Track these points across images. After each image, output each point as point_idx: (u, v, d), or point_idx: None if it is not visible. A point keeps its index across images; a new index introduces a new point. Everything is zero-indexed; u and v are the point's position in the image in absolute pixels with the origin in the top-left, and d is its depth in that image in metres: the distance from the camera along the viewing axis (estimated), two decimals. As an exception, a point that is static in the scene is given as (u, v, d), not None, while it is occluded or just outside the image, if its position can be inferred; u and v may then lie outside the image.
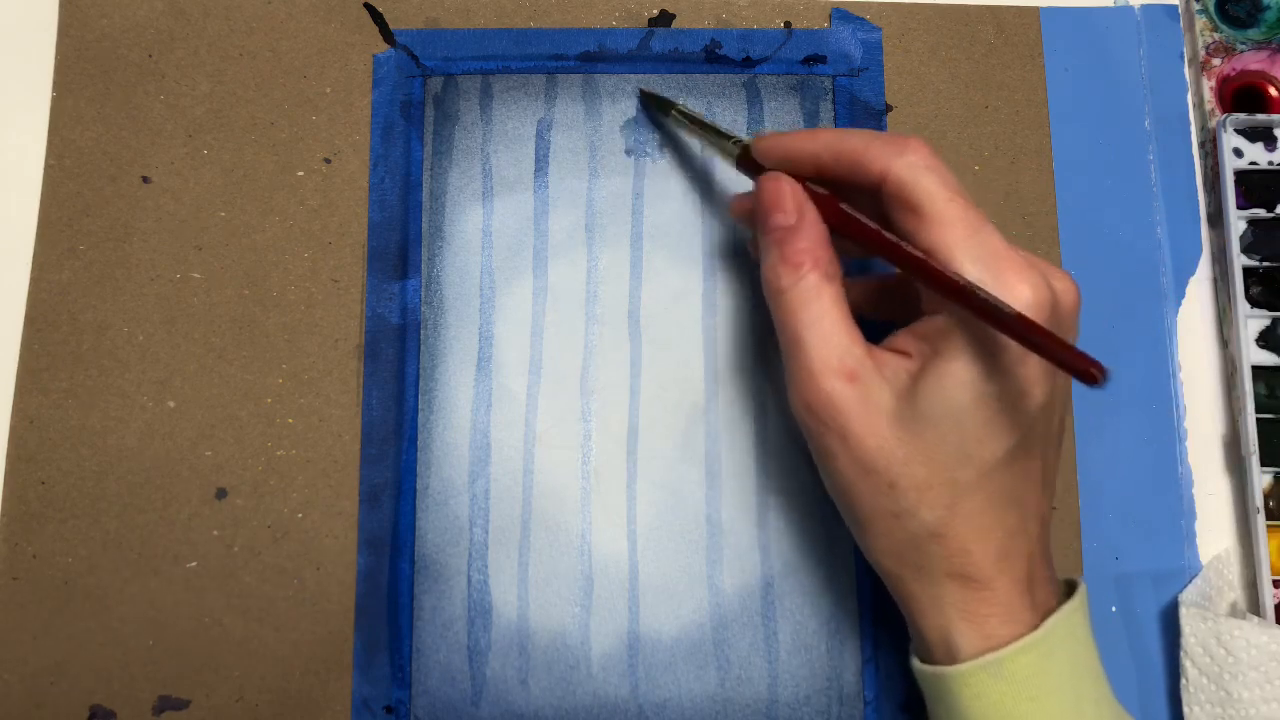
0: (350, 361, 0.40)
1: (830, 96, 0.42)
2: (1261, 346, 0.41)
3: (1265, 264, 0.41)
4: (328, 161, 0.41)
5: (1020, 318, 0.28)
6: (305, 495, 0.38)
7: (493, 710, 0.37)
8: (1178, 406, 0.40)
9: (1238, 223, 0.41)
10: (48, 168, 0.41)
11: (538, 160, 0.41)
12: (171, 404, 0.39)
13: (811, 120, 0.42)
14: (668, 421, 0.40)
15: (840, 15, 0.43)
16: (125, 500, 0.38)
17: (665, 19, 0.43)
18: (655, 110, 0.41)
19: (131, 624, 0.37)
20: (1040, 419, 0.31)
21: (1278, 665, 0.36)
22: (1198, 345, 0.41)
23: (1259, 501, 0.39)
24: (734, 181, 0.41)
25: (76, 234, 0.40)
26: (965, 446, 0.30)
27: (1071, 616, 0.32)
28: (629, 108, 0.42)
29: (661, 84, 0.42)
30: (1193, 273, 0.42)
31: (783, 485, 0.39)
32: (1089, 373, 0.26)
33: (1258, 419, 0.40)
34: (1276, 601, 0.38)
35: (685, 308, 0.40)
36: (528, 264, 0.41)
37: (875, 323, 0.35)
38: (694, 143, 0.42)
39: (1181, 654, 0.37)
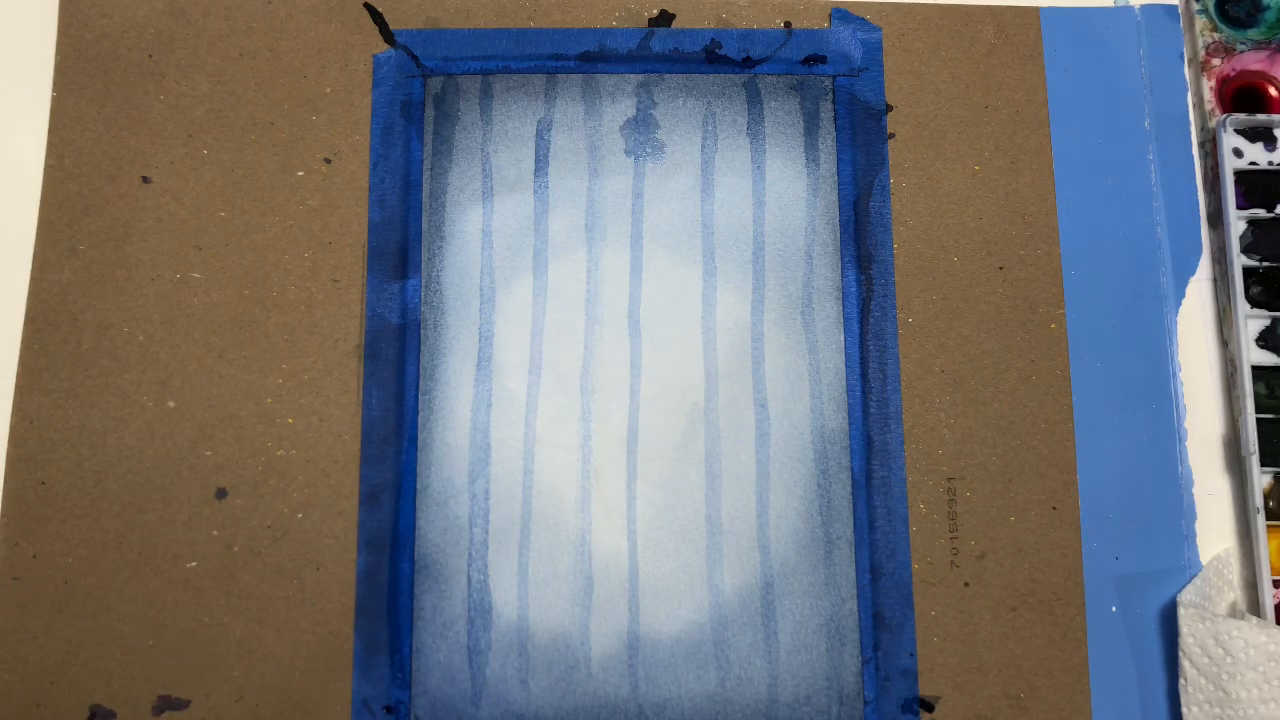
0: (350, 361, 0.40)
1: (830, 96, 0.42)
2: (1261, 346, 0.41)
3: (1265, 264, 0.41)
4: (328, 161, 0.41)
5: None
6: (305, 495, 0.39)
7: (493, 710, 0.37)
8: (1178, 406, 0.40)
9: (1238, 223, 0.41)
10: (48, 168, 0.41)
11: (538, 160, 0.41)
12: (171, 404, 0.39)
13: (812, 120, 0.42)
14: (668, 421, 0.40)
15: (840, 15, 0.43)
16: (125, 500, 0.38)
17: (665, 19, 0.43)
18: None
19: (131, 624, 0.37)
20: None
21: (1276, 665, 0.36)
22: (1198, 345, 0.41)
23: (1259, 501, 0.39)
24: (733, 182, 0.41)
25: (76, 234, 0.40)
26: None
27: None
28: (629, 108, 0.42)
29: (662, 84, 0.42)
30: (1193, 273, 0.42)
31: (783, 485, 0.39)
32: None
33: (1258, 419, 0.40)
34: (1276, 601, 0.38)
35: (685, 308, 0.41)
36: (528, 264, 0.41)
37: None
38: (694, 143, 0.42)
39: (1180, 654, 0.37)
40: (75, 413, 0.39)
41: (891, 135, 0.42)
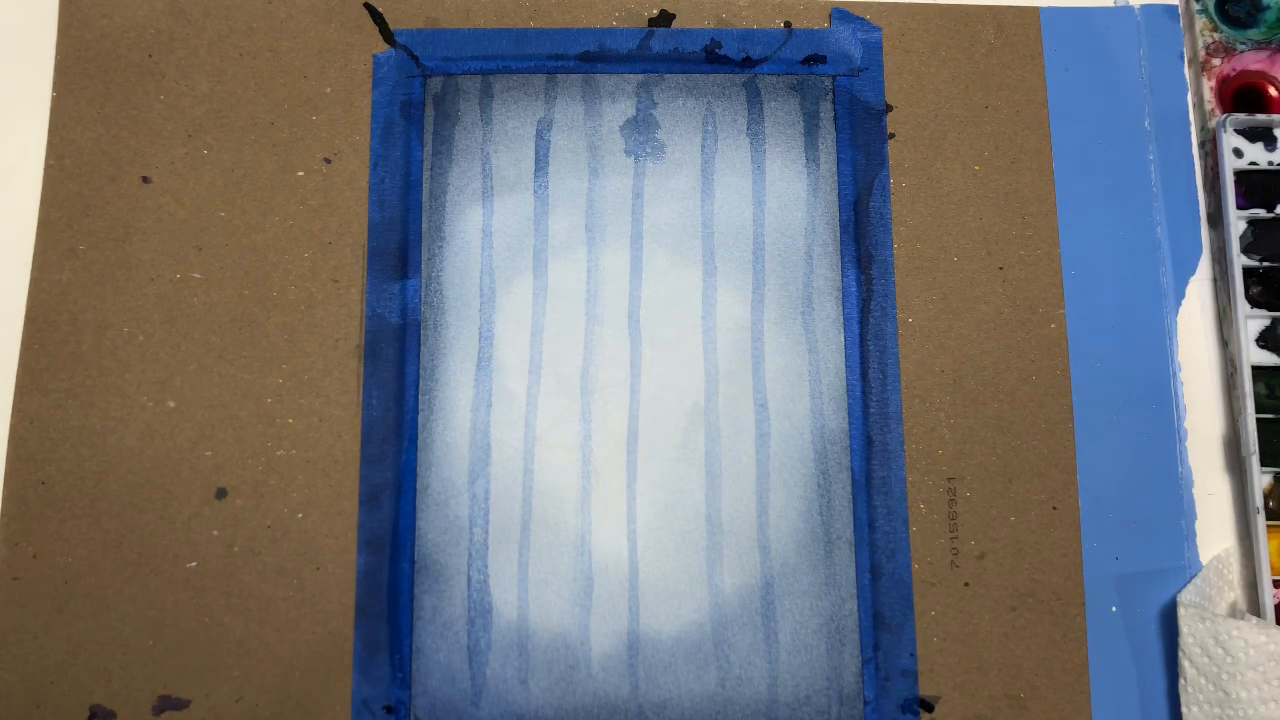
0: (350, 361, 0.40)
1: (830, 96, 0.42)
2: (1261, 346, 0.41)
3: (1265, 264, 0.41)
4: (328, 161, 0.41)
5: None
6: (305, 495, 0.39)
7: (493, 710, 0.37)
8: (1178, 406, 0.40)
9: (1238, 223, 0.41)
10: (48, 168, 0.41)
11: (538, 160, 0.41)
12: (171, 404, 0.39)
13: (812, 120, 0.42)
14: (668, 421, 0.40)
15: (840, 15, 0.43)
16: (125, 500, 0.38)
17: (665, 19, 0.43)
18: None
19: (131, 624, 0.37)
20: None
21: (1276, 665, 0.36)
22: (1198, 345, 0.41)
23: (1259, 501, 0.39)
24: (733, 182, 0.41)
25: (76, 234, 0.40)
26: None
27: None
28: (629, 108, 0.42)
29: (662, 84, 0.42)
30: (1193, 273, 0.42)
31: (783, 485, 0.39)
32: None
33: (1258, 419, 0.40)
34: (1276, 601, 0.38)
35: (685, 308, 0.41)
36: (528, 264, 0.41)
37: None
38: (694, 142, 0.42)
39: (1180, 654, 0.37)
40: (75, 413, 0.39)
41: (891, 135, 0.42)
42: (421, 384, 0.40)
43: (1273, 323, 0.41)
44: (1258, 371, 0.40)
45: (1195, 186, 0.42)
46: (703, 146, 0.42)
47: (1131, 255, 0.41)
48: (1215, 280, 0.42)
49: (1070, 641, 0.38)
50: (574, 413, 0.40)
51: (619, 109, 0.42)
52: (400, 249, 0.40)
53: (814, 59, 0.42)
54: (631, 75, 0.42)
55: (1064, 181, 0.42)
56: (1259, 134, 0.42)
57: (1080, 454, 0.40)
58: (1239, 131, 0.42)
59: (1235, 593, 0.40)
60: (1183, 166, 0.43)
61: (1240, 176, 0.42)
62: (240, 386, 0.39)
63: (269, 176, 0.41)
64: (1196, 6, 0.44)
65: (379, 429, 0.39)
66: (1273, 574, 0.39)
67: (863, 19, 0.43)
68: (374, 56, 0.42)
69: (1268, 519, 0.39)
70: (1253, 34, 0.43)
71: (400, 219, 0.41)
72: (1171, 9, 0.44)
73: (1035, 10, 0.43)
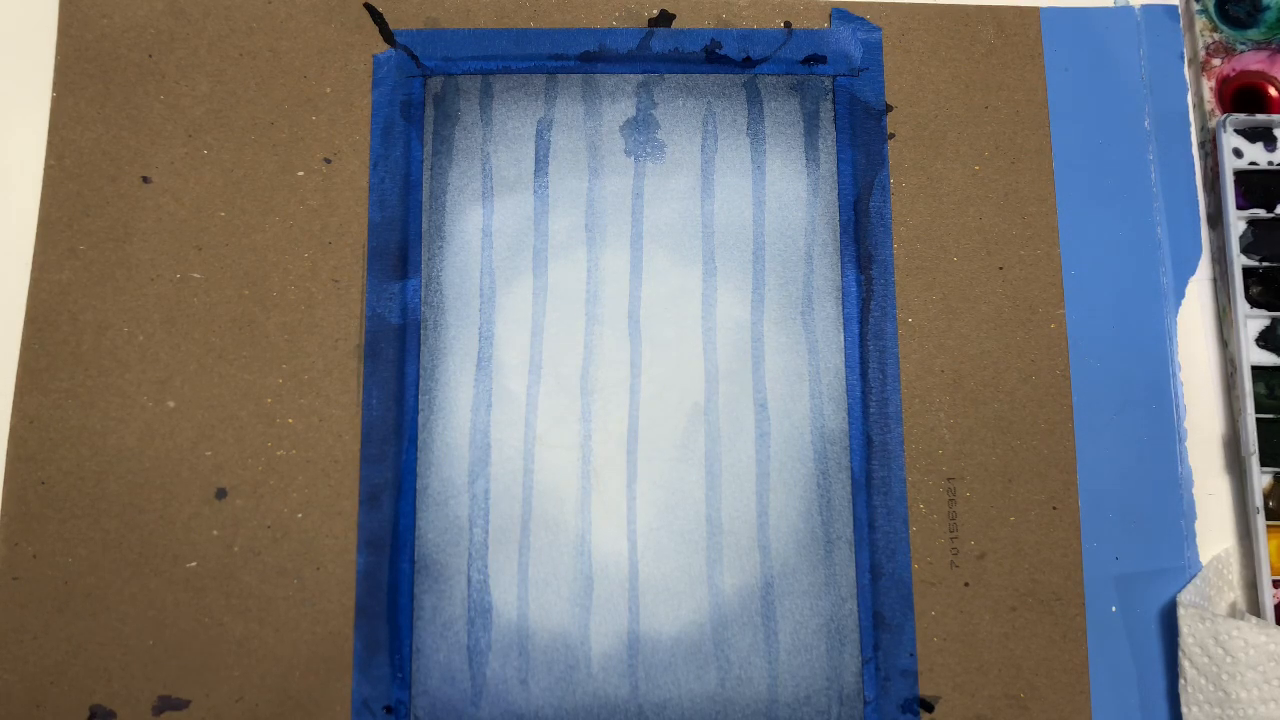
0: (350, 361, 0.40)
1: (830, 96, 0.42)
2: (1261, 346, 0.41)
3: (1265, 264, 0.41)
4: (328, 161, 0.41)
5: None
6: (305, 495, 0.39)
7: (493, 710, 0.37)
8: (1178, 406, 0.40)
9: (1238, 223, 0.41)
10: (48, 168, 0.41)
11: (538, 160, 0.41)
12: (171, 404, 0.39)
13: (812, 120, 0.42)
14: (668, 421, 0.40)
15: (840, 15, 0.43)
16: (125, 500, 0.38)
17: (665, 19, 0.43)
18: None
19: (131, 624, 0.37)
20: None
21: (1275, 665, 0.36)
22: (1198, 345, 0.41)
23: (1259, 501, 0.39)
24: (734, 182, 0.41)
25: (76, 234, 0.40)
26: None
27: None
28: (629, 108, 0.42)
29: (662, 84, 0.42)
30: (1193, 273, 0.42)
31: (783, 485, 0.39)
32: None
33: (1258, 419, 0.40)
34: (1276, 601, 0.38)
35: (685, 308, 0.41)
36: (528, 264, 0.41)
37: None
38: (694, 142, 0.42)
39: (1180, 654, 0.37)
40: (75, 413, 0.39)
41: (891, 135, 0.42)
42: (421, 384, 0.40)
43: (1273, 323, 0.41)
44: (1258, 371, 0.40)
45: (1195, 186, 0.42)
46: (703, 146, 0.42)
47: (1131, 255, 0.41)
48: (1215, 280, 0.42)
49: (1070, 641, 0.38)
50: (574, 413, 0.40)
51: (619, 109, 0.42)
52: (400, 249, 0.40)
53: (814, 59, 0.42)
54: (631, 75, 0.42)
55: (1064, 181, 0.42)
56: (1259, 134, 0.42)
57: (1080, 454, 0.40)
58: (1239, 131, 0.42)
59: (1235, 593, 0.40)
60: (1183, 166, 0.43)
61: (1240, 176, 0.42)
62: (240, 386, 0.39)
63: (269, 176, 0.41)
64: (1196, 6, 0.44)
65: (379, 429, 0.39)
66: (1273, 574, 0.39)
67: (863, 19, 0.43)
68: (374, 56, 0.42)
69: (1268, 519, 0.39)
70: (1253, 34, 0.43)
71: (400, 219, 0.41)
72: (1171, 9, 0.44)
73: (1035, 10, 0.43)
